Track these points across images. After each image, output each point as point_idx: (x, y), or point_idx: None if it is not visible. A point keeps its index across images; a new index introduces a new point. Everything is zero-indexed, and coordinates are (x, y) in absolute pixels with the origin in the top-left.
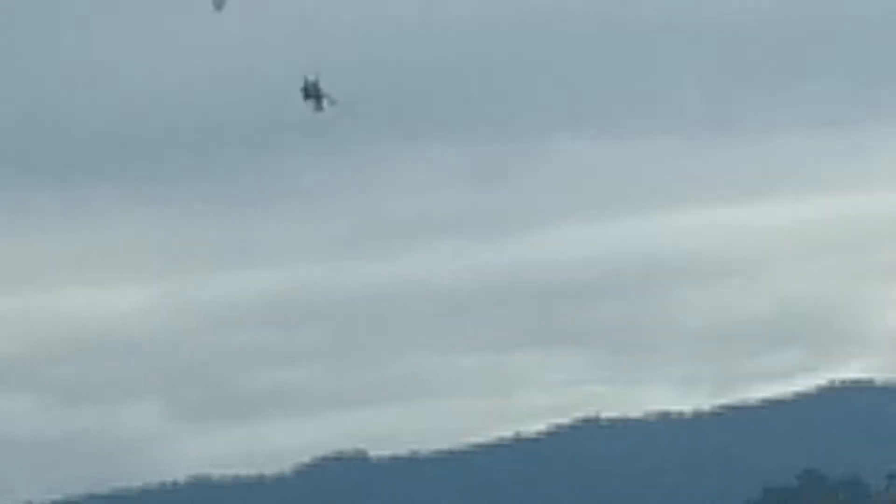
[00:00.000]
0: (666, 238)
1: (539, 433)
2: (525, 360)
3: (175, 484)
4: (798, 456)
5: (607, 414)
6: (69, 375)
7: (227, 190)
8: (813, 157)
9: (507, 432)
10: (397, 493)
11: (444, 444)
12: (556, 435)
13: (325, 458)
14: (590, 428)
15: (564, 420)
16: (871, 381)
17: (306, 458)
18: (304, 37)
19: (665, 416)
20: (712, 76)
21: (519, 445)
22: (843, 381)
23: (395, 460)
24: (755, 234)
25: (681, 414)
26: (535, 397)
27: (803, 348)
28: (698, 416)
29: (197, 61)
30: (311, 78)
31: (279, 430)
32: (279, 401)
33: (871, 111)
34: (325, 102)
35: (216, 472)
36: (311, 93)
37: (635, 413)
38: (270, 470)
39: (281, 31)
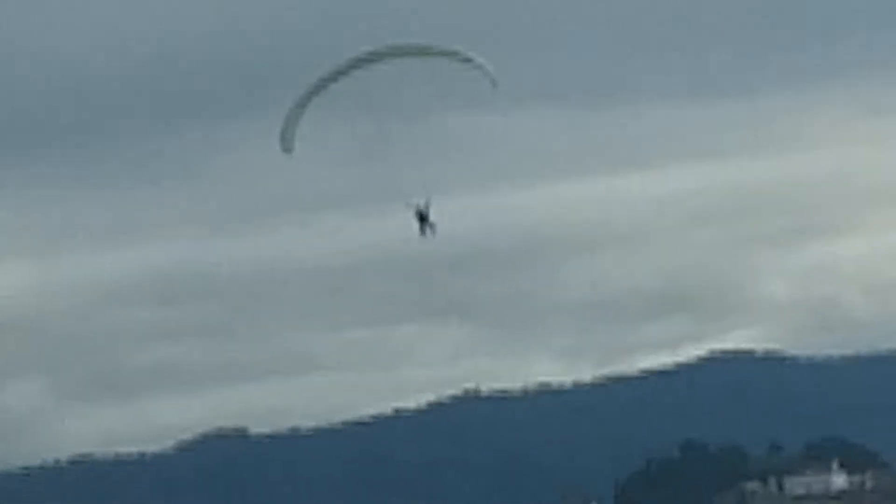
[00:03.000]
0: (548, 209)
1: (420, 407)
2: (406, 335)
3: (57, 462)
4: (680, 426)
5: (488, 386)
6: None
7: (108, 167)
8: (696, 125)
9: (388, 407)
10: (278, 470)
11: (325, 421)
12: (436, 409)
13: (205, 436)
14: (470, 401)
15: (446, 393)
16: (751, 352)
17: (188, 436)
18: (183, 8)
19: (546, 388)
20: (595, 45)
21: (400, 420)
22: (724, 352)
23: (276, 437)
24: (638, 203)
25: (561, 386)
26: (417, 371)
27: (687, 318)
28: (579, 388)
29: (72, 37)
30: (423, 203)
31: (161, 408)
32: (162, 378)
33: (755, 80)
34: (428, 228)
35: (98, 450)
36: (422, 217)
37: (516, 386)
38: (152, 448)
39: (158, 4)
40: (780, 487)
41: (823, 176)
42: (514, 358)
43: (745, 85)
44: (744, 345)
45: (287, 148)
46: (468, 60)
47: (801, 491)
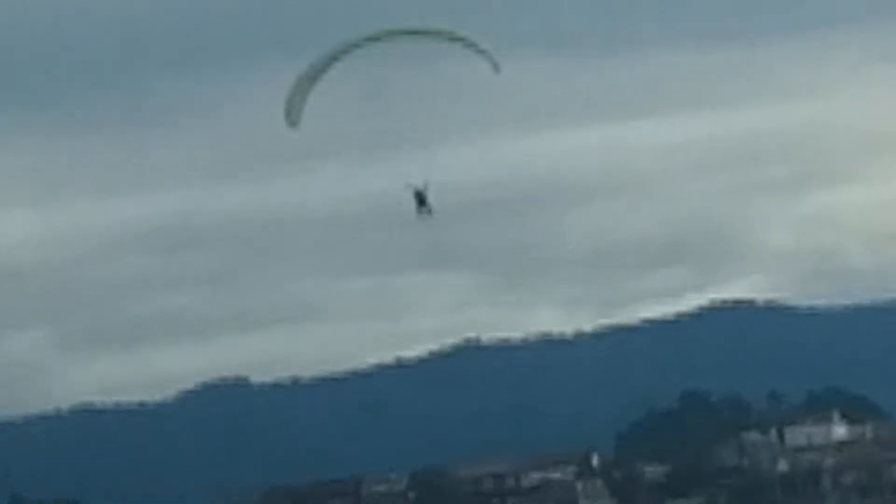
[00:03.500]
0: (550, 158)
1: (421, 357)
2: (409, 284)
3: (58, 411)
4: (680, 376)
5: (489, 336)
6: None
7: (111, 115)
8: (697, 73)
9: (390, 357)
10: (279, 419)
11: (327, 370)
12: (438, 359)
13: (206, 385)
14: (472, 351)
15: (447, 343)
16: (752, 302)
17: (189, 385)
18: None
19: (547, 338)
20: None
21: (401, 369)
22: (725, 302)
23: (277, 386)
24: (639, 152)
25: (562, 335)
26: (419, 321)
27: (688, 268)
28: (580, 338)
29: None
30: (421, 184)
31: (162, 357)
32: (163, 327)
33: (759, 28)
34: (426, 209)
35: (99, 399)
36: (421, 199)
37: (518, 335)
38: (153, 397)
39: None
40: (781, 438)
41: (825, 124)
42: (515, 307)
43: (747, 33)
44: (745, 295)
45: (293, 122)
46: (472, 45)
47: (801, 441)
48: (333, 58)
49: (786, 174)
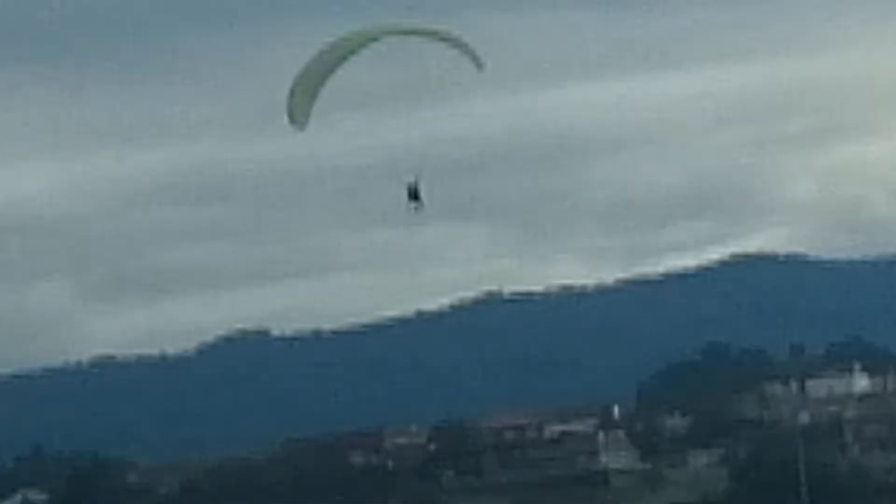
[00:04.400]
0: (573, 110)
1: (442, 309)
2: (430, 236)
3: (79, 364)
4: (701, 329)
5: (510, 288)
6: None
7: (133, 67)
8: (721, 26)
9: (410, 309)
10: (300, 371)
11: (347, 322)
12: (458, 311)
13: (227, 337)
14: (493, 303)
15: (468, 295)
16: (774, 254)
17: (209, 337)
18: None
19: (568, 291)
20: None
21: (422, 320)
22: (747, 254)
23: (298, 338)
24: (663, 104)
25: (584, 288)
26: (440, 273)
27: (710, 221)
28: (601, 290)
29: None
30: (412, 180)
31: (183, 309)
32: (185, 279)
33: None
34: (419, 204)
35: (119, 352)
36: (414, 193)
37: (539, 288)
38: (174, 349)
39: None
40: (802, 390)
41: (849, 77)
42: (537, 260)
43: None
44: (767, 247)
45: (300, 125)
46: (457, 45)
47: (822, 393)
48: (335, 62)
49: (809, 126)
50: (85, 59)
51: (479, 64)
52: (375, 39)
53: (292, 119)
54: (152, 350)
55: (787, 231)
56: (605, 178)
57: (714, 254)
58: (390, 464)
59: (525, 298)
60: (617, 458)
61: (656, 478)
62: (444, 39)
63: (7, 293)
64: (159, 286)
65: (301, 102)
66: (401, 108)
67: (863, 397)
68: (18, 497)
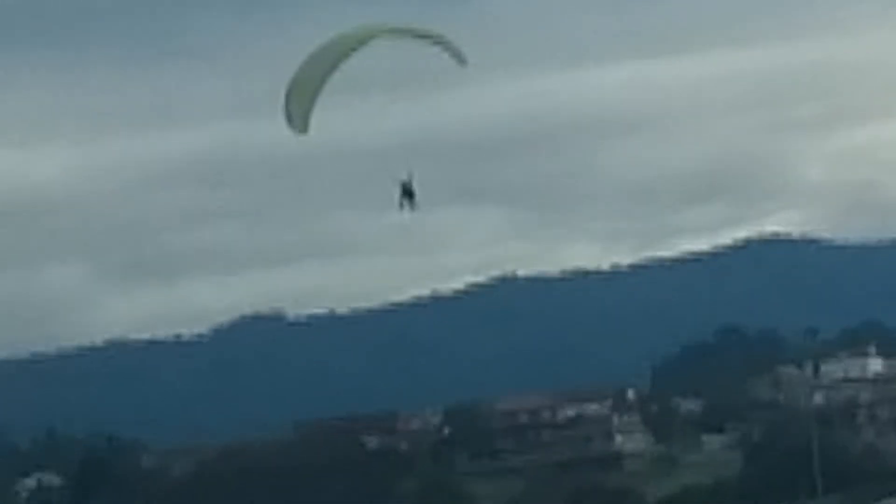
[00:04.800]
0: (588, 94)
1: (456, 292)
2: (445, 218)
3: (93, 347)
4: (716, 311)
5: (525, 271)
6: None
7: (149, 51)
8: (737, 11)
9: (425, 290)
10: (315, 353)
11: (362, 304)
12: (473, 293)
13: (242, 319)
14: (507, 285)
15: (483, 277)
16: (789, 236)
17: (224, 320)
18: None
19: (583, 273)
20: None
21: (436, 303)
22: (762, 236)
23: (313, 320)
24: (678, 88)
25: (598, 271)
26: (455, 256)
27: (725, 203)
28: (616, 272)
29: None
30: (406, 178)
31: (198, 291)
32: (200, 261)
33: None
34: (413, 203)
35: (134, 334)
36: (408, 192)
37: (554, 270)
38: (188, 332)
39: None
40: (816, 372)
41: (863, 61)
42: (551, 242)
43: None
44: (781, 230)
45: (301, 130)
46: (440, 42)
47: (836, 375)
48: (330, 66)
49: (823, 110)
50: (99, 43)
51: (461, 61)
52: (364, 43)
53: (292, 125)
54: (167, 333)
55: (800, 214)
56: (619, 161)
57: (728, 237)
58: (404, 446)
59: (540, 281)
60: (631, 440)
61: (670, 460)
62: (423, 36)
63: (22, 276)
64: (174, 269)
65: (299, 107)
66: (417, 91)
67: (877, 380)
68: (33, 479)
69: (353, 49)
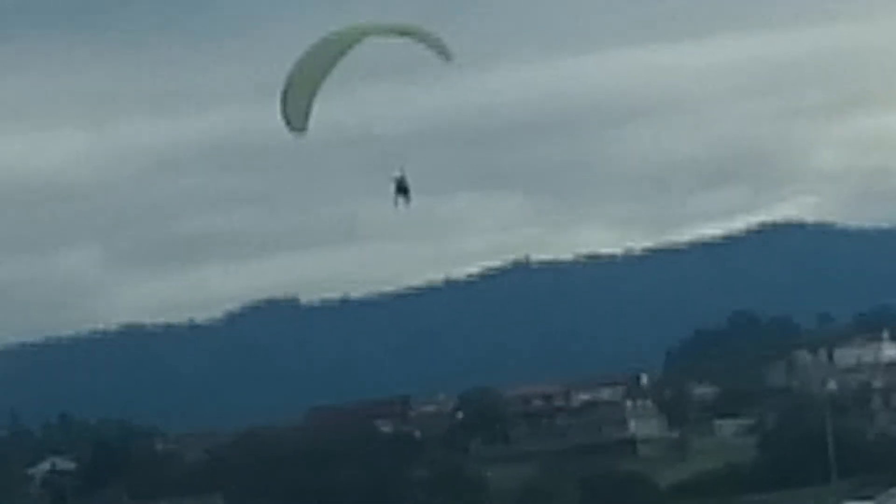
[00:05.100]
0: (601, 80)
1: (470, 277)
2: (459, 204)
3: (106, 332)
4: (730, 297)
5: (538, 257)
6: (4, 223)
7: (163, 36)
8: None
9: (439, 276)
10: (328, 338)
11: (376, 290)
12: (486, 279)
13: (256, 305)
14: (521, 271)
15: (496, 263)
16: (802, 222)
17: (238, 305)
18: None
19: (596, 259)
20: None
21: (449, 289)
22: (775, 222)
23: (326, 306)
24: (691, 74)
25: (612, 256)
26: (469, 241)
27: (738, 189)
28: (630, 258)
29: None
30: (398, 174)
31: (212, 277)
32: (214, 247)
33: None
34: (407, 198)
35: (148, 320)
36: (403, 188)
37: (567, 256)
38: (202, 316)
39: None
40: (830, 358)
41: (877, 47)
42: (564, 228)
43: None
44: (794, 216)
45: (300, 129)
46: (425, 39)
47: (850, 361)
48: (326, 67)
49: (837, 96)
50: (112, 28)
51: (447, 56)
52: (358, 41)
53: (290, 125)
54: (180, 318)
55: (814, 200)
56: (634, 148)
57: (742, 222)
58: (418, 432)
59: (553, 267)
60: (645, 426)
61: (684, 446)
62: (410, 34)
63: (35, 262)
64: (188, 254)
65: (296, 108)
66: (431, 77)
67: (890, 366)
68: (46, 464)
69: (342, 52)
